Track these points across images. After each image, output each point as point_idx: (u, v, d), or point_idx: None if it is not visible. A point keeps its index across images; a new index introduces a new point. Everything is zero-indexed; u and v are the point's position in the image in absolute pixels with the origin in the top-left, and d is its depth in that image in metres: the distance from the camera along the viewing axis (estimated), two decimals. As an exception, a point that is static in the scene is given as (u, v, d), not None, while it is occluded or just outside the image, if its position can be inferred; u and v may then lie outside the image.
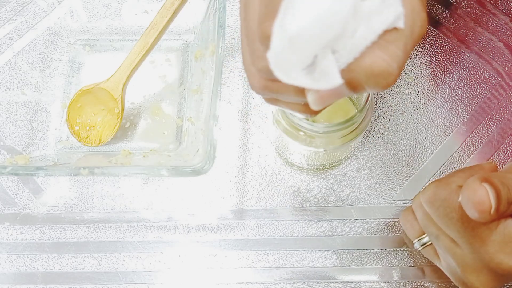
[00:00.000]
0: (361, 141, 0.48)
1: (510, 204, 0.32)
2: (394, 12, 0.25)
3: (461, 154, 0.48)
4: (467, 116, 0.49)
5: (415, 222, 0.40)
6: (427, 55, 0.51)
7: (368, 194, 0.47)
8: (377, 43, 0.25)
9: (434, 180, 0.47)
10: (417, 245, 0.40)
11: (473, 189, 0.31)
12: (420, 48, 0.51)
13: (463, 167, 0.47)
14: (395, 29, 0.25)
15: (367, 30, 0.25)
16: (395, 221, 0.46)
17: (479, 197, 0.31)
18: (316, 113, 0.31)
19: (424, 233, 0.39)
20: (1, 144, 0.47)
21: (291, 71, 0.25)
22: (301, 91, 0.28)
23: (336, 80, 0.25)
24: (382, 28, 0.25)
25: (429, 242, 0.39)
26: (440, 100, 0.50)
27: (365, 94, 0.39)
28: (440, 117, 0.49)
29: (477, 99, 0.49)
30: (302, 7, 0.24)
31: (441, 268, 0.39)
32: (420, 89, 0.50)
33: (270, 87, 0.29)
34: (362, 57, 0.25)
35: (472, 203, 0.31)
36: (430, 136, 0.48)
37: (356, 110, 0.40)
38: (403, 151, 0.48)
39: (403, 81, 0.50)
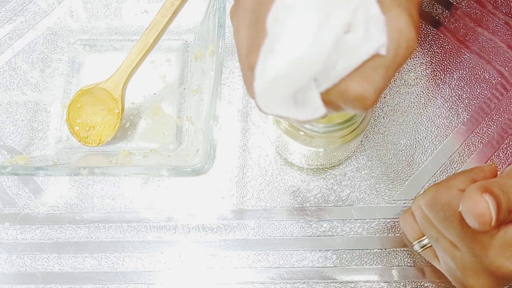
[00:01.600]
0: (361, 141, 0.48)
1: (511, 212, 0.32)
2: (377, 42, 0.25)
3: (461, 154, 0.48)
4: (467, 116, 0.49)
5: (415, 224, 0.40)
6: (427, 55, 0.51)
7: (368, 194, 0.47)
8: (357, 69, 0.25)
9: (434, 181, 0.47)
10: (417, 247, 0.40)
11: (473, 201, 0.31)
12: (420, 48, 0.51)
13: (463, 167, 0.47)
14: (377, 55, 0.25)
15: (349, 61, 0.25)
16: (395, 221, 0.46)
17: (479, 210, 0.31)
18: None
19: (424, 235, 0.39)
20: (1, 144, 0.47)
21: (274, 105, 0.26)
22: None
23: (319, 111, 0.26)
24: (364, 59, 0.25)
25: (429, 244, 0.39)
26: (440, 100, 0.50)
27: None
28: (440, 117, 0.49)
29: (477, 99, 0.49)
30: (281, 51, 0.24)
31: (440, 270, 0.39)
32: (420, 89, 0.50)
33: None
34: (338, 82, 0.25)
35: (472, 215, 0.31)
36: (430, 136, 0.48)
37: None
38: (403, 151, 0.48)
39: (403, 81, 0.50)
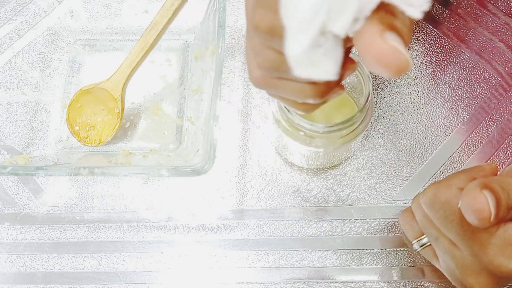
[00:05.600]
0: (361, 141, 0.48)
1: (510, 209, 0.32)
2: None
3: (461, 154, 0.48)
4: (467, 116, 0.49)
5: (414, 223, 0.40)
6: (427, 55, 0.51)
7: (368, 194, 0.47)
8: None
9: (434, 181, 0.47)
10: (416, 246, 0.40)
11: (473, 196, 0.31)
12: (420, 48, 0.51)
13: (463, 167, 0.47)
14: None
15: None
16: (395, 221, 0.46)
17: (479, 205, 0.31)
18: (312, 109, 0.30)
19: (423, 234, 0.39)
20: (1, 144, 0.47)
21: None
22: (298, 90, 0.28)
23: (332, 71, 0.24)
24: None
25: (428, 243, 0.39)
26: (440, 100, 0.50)
27: (365, 94, 0.39)
28: (440, 117, 0.49)
29: (477, 99, 0.49)
30: None
31: (440, 269, 0.39)
32: (420, 89, 0.50)
33: (270, 83, 0.29)
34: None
35: (472, 210, 0.31)
36: (430, 136, 0.48)
37: (356, 110, 0.40)
38: (403, 151, 0.48)
39: (403, 81, 0.50)
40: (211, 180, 0.48)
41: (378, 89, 0.50)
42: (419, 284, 0.44)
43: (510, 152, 0.48)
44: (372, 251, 0.45)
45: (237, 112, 0.50)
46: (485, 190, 0.31)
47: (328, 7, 0.22)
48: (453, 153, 0.48)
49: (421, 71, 0.50)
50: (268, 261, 0.45)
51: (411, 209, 0.40)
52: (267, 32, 0.25)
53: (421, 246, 0.40)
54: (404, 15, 0.23)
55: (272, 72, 0.27)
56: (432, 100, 0.50)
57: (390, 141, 0.48)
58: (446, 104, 0.49)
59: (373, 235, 0.46)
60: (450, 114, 0.49)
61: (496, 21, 0.51)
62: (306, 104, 0.30)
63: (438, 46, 0.51)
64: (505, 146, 0.48)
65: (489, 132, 0.48)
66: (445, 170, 0.47)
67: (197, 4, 0.48)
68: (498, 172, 0.38)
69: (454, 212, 0.34)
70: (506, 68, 0.50)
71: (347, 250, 0.45)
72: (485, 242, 0.33)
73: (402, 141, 0.48)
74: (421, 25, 0.52)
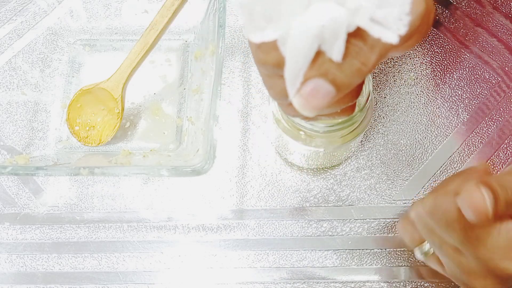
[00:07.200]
0: (361, 141, 0.48)
1: (509, 205, 0.32)
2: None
3: (461, 154, 0.48)
4: (467, 116, 0.49)
5: (414, 231, 0.39)
6: (427, 55, 0.51)
7: (368, 194, 0.47)
8: None
9: (434, 181, 0.47)
10: (418, 254, 0.40)
11: (470, 193, 0.31)
12: (420, 48, 0.51)
13: (463, 167, 0.47)
14: None
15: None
16: (395, 221, 0.46)
17: (475, 199, 0.31)
18: (352, 111, 0.31)
19: (423, 241, 0.39)
20: (1, 144, 0.47)
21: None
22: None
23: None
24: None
25: (430, 250, 0.39)
26: (440, 100, 0.50)
27: (365, 94, 0.39)
28: (440, 117, 0.49)
29: (477, 99, 0.49)
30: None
31: (445, 275, 0.39)
32: (420, 89, 0.50)
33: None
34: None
35: (468, 206, 0.31)
36: (430, 136, 0.48)
37: (356, 110, 0.40)
38: (403, 151, 0.48)
39: (403, 81, 0.50)
40: (211, 180, 0.48)
41: (378, 89, 0.50)
42: (419, 284, 0.44)
43: (510, 152, 0.48)
44: (372, 251, 0.45)
45: (237, 112, 0.50)
46: (482, 187, 0.31)
47: (321, 41, 0.24)
48: (453, 153, 0.48)
49: (421, 71, 0.50)
50: (268, 261, 0.45)
51: (409, 217, 0.40)
52: (274, 66, 0.27)
53: (422, 254, 0.39)
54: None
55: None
56: (432, 100, 0.50)
57: (390, 141, 0.48)
58: (446, 104, 0.49)
59: (373, 235, 0.46)
60: (450, 114, 0.49)
61: (495, 21, 0.51)
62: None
63: (438, 46, 0.51)
64: (505, 146, 0.48)
65: (489, 132, 0.48)
66: (445, 170, 0.47)
67: (197, 4, 0.48)
68: (499, 172, 0.38)
69: (455, 220, 0.34)
70: (506, 68, 0.50)
71: (347, 250, 0.45)
72: (489, 246, 0.33)
73: (402, 141, 0.48)
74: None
